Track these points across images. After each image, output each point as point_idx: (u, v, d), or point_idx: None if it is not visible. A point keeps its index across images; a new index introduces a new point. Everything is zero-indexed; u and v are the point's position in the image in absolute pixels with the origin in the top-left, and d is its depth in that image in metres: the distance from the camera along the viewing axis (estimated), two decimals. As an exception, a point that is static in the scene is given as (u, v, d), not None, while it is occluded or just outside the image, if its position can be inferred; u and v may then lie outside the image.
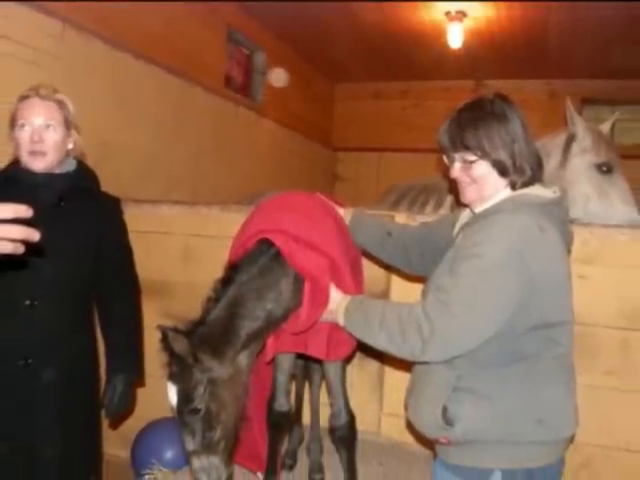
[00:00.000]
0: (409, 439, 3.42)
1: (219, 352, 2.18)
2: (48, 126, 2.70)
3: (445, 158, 2.29)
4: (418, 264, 2.61)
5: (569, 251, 2.27)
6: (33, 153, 2.68)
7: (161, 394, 2.26)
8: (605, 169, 3.97)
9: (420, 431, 2.27)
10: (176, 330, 2.11)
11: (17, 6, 4.11)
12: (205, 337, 2.15)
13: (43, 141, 2.68)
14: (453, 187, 2.39)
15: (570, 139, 4.10)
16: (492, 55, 8.07)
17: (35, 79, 4.03)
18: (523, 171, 2.16)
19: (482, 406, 2.08)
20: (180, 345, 2.08)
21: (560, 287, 2.12)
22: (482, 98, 2.23)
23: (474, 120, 2.17)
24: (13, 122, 2.72)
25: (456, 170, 2.24)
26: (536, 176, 2.21)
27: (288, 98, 8.19)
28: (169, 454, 3.54)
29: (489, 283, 2.01)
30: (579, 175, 4.00)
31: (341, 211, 2.79)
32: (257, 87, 7.77)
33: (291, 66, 8.27)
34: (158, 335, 2.16)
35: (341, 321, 2.27)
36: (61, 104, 2.77)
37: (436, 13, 6.89)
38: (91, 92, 4.70)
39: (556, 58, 8.12)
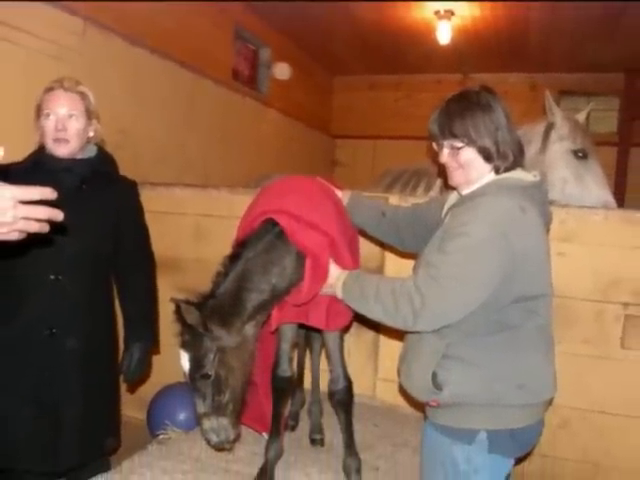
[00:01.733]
0: (402, 402, 3.42)
1: (228, 322, 2.17)
2: (71, 116, 2.68)
3: (435, 145, 2.27)
4: (410, 242, 2.59)
5: (548, 230, 2.25)
6: (57, 140, 2.66)
7: (175, 361, 2.25)
8: (581, 155, 3.97)
9: (412, 395, 2.27)
10: (188, 302, 2.10)
11: (43, 6, 4.10)
12: (215, 309, 2.14)
13: (66, 129, 2.67)
14: (442, 171, 2.36)
15: (549, 127, 4.10)
16: (478, 50, 8.01)
17: (59, 73, 3.99)
18: (506, 157, 2.15)
19: (469, 372, 2.08)
20: (192, 316, 2.07)
21: (540, 263, 2.11)
22: (468, 90, 2.22)
23: (461, 110, 2.16)
24: (39, 112, 2.70)
25: (445, 156, 2.23)
26: (518, 161, 2.20)
27: (291, 90, 8.14)
28: (182, 416, 3.55)
29: (475, 259, 2.00)
30: (557, 160, 4.00)
31: (339, 193, 2.76)
32: (262, 80, 7.71)
33: (293, 60, 8.20)
34: (172, 307, 2.15)
35: (339, 294, 2.26)
36: (83, 95, 2.76)
37: (426, 12, 6.86)
38: (110, 84, 4.67)
39: (536, 53, 8.07)
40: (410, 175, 5.01)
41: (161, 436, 3.27)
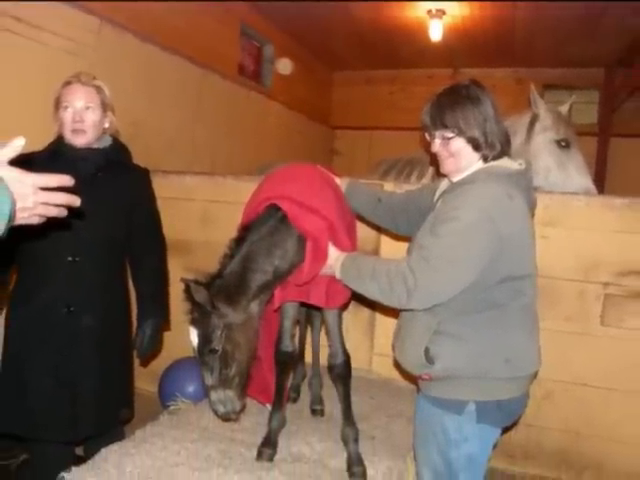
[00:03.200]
0: (396, 376, 3.45)
1: (234, 301, 2.17)
2: (87, 108, 2.70)
3: (427, 135, 2.25)
4: (404, 226, 2.59)
5: (533, 215, 2.26)
6: (75, 131, 2.68)
7: (184, 337, 2.24)
8: (564, 144, 3.98)
9: (406, 369, 2.30)
10: (197, 282, 2.10)
11: (62, 6, 4.10)
12: (221, 288, 2.15)
13: (83, 121, 2.68)
14: (434, 160, 2.35)
15: (534, 119, 4.10)
16: (467, 47, 7.96)
17: (76, 68, 3.98)
18: (493, 146, 2.14)
19: (458, 347, 2.09)
20: (200, 295, 2.06)
21: (525, 246, 2.13)
22: (458, 84, 2.22)
23: (452, 103, 2.16)
24: (57, 104, 2.71)
25: (436, 145, 2.22)
26: (505, 150, 2.20)
27: (293, 84, 8.08)
28: (191, 388, 3.55)
29: (464, 242, 2.01)
30: (541, 150, 4.01)
31: (338, 180, 2.74)
32: (266, 75, 7.66)
33: (295, 57, 8.15)
34: (181, 286, 2.15)
35: (338, 274, 2.26)
36: (99, 89, 2.77)
37: (419, 11, 6.83)
38: (124, 79, 4.64)
39: (522, 49, 8.01)
40: (404, 164, 5.01)
41: (171, 407, 3.29)
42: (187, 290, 2.09)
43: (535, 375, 2.26)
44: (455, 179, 2.23)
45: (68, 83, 2.70)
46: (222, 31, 6.38)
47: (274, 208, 2.29)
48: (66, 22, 4.15)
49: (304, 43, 8.24)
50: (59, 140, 2.74)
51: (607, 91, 8.60)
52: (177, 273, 3.62)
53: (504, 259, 2.04)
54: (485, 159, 2.16)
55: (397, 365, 2.51)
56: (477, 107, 2.12)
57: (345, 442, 2.48)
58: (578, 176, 3.88)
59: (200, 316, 2.11)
